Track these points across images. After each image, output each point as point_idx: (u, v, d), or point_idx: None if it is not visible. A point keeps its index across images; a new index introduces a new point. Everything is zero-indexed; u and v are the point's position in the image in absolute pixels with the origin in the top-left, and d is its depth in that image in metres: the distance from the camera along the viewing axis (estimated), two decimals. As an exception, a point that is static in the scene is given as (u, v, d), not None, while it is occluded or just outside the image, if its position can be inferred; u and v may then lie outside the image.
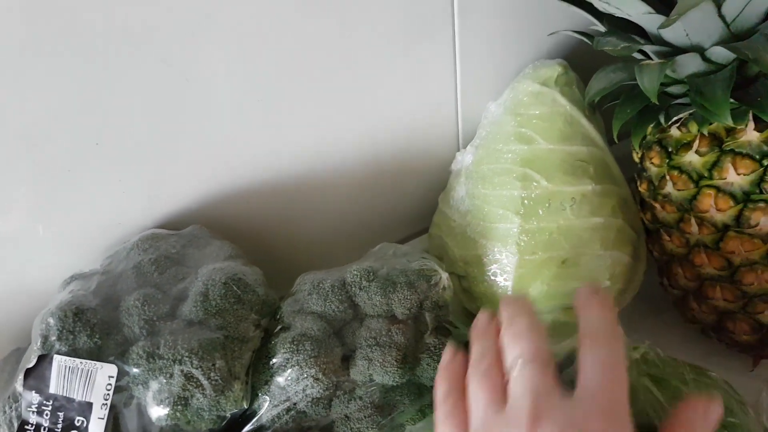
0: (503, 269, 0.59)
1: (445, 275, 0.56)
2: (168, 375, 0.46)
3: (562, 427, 0.34)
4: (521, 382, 0.37)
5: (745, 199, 0.51)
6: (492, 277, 0.60)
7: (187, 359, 0.46)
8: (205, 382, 0.47)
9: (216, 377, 0.47)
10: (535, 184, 0.58)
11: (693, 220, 0.54)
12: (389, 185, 0.69)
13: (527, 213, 0.58)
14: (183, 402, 0.47)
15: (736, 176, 0.51)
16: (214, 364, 0.47)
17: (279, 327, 0.52)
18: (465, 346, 0.57)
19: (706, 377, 0.49)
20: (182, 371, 0.46)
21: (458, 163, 0.65)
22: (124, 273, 0.52)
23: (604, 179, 0.59)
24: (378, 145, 0.65)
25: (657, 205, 0.57)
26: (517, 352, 0.38)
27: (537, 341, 0.39)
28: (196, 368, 0.46)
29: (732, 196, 0.52)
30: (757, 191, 0.51)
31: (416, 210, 0.71)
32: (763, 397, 0.52)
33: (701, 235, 0.54)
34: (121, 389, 0.47)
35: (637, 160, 0.60)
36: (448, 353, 0.44)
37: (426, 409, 0.53)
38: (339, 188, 0.65)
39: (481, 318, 0.44)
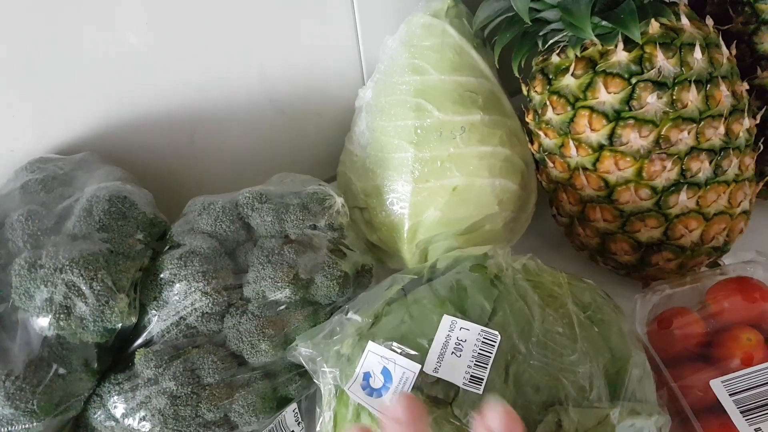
0: (400, 198, 0.61)
1: (339, 200, 0.58)
2: (50, 283, 0.47)
3: None
4: None
5: (616, 117, 0.54)
6: (390, 207, 0.62)
7: (68, 268, 0.47)
8: (87, 291, 0.47)
9: (98, 287, 0.47)
10: (427, 113, 0.60)
11: (571, 143, 0.57)
12: (293, 127, 0.70)
13: (420, 142, 0.60)
14: (65, 311, 0.47)
15: (607, 95, 0.54)
16: (96, 274, 0.47)
17: (168, 246, 0.53)
18: (361, 269, 0.59)
19: (580, 282, 0.52)
20: (64, 279, 0.47)
21: (360, 100, 0.66)
22: (10, 193, 0.52)
23: (492, 110, 0.62)
24: (278, 87, 0.66)
25: (541, 133, 0.60)
26: None
27: None
28: (78, 276, 0.47)
29: (604, 115, 0.55)
30: (627, 108, 0.54)
31: (326, 155, 0.72)
32: (637, 307, 0.55)
33: (580, 157, 0.57)
34: (2, 299, 0.47)
35: (525, 93, 0.62)
36: None
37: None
38: (241, 128, 0.66)
39: None
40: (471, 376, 0.43)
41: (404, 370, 0.45)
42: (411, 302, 0.49)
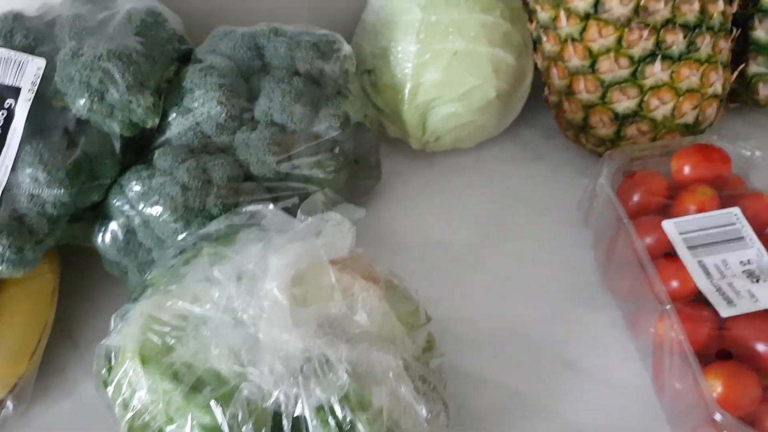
0: (404, 59, 0.67)
1: (347, 46, 0.65)
2: (88, 69, 0.54)
3: None
4: None
5: (601, -15, 0.60)
6: (394, 68, 0.68)
7: (105, 57, 0.54)
8: (119, 80, 0.54)
9: (130, 78, 0.54)
10: (436, -19, 0.66)
11: (562, 14, 0.63)
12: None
13: (428, 5, 0.66)
14: (99, 95, 0.54)
15: (595, -35, 0.60)
16: (129, 66, 0.54)
17: (192, 62, 0.60)
18: (363, 120, 0.65)
19: None
20: (101, 66, 0.54)
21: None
22: (63, 2, 0.59)
23: (496, -14, 0.68)
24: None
25: (538, 7, 0.66)
26: None
27: None
28: (113, 65, 0.54)
29: (592, -17, 0.60)
30: (611, -21, 0.60)
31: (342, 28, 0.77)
32: (605, 163, 0.61)
33: (569, 28, 0.63)
34: (47, 79, 0.54)
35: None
36: None
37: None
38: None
39: None
40: None
41: None
42: None
